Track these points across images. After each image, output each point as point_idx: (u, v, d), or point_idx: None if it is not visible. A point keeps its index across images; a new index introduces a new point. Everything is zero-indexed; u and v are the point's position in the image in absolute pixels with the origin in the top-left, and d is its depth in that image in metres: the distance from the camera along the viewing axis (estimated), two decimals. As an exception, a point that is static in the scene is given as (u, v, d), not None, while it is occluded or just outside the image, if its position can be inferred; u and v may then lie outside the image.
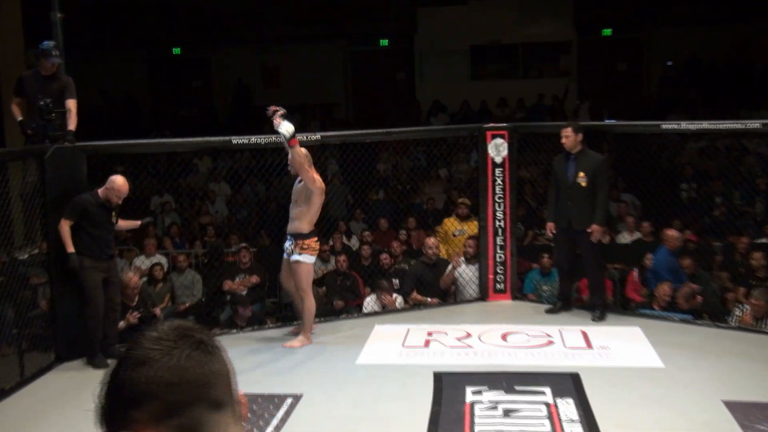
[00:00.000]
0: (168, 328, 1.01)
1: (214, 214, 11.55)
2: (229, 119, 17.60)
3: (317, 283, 8.64)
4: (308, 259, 6.09)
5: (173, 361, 0.95)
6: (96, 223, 5.90)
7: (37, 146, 6.04)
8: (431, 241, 8.05)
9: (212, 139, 6.92)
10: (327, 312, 7.82)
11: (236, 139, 6.75)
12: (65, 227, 5.83)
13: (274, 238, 10.18)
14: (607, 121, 11.99)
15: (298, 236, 6.03)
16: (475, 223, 8.18)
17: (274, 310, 8.69)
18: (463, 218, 8.61)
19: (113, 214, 6.04)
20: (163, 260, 8.97)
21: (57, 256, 5.91)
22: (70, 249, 5.79)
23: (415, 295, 7.76)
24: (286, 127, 5.82)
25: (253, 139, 6.75)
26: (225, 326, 7.28)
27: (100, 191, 5.94)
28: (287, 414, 4.77)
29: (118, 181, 5.95)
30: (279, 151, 8.25)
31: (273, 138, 6.82)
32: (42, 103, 6.00)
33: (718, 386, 5.09)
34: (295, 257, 6.04)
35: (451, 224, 8.66)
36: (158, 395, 0.93)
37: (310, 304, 6.25)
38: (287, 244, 6.10)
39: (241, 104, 17.99)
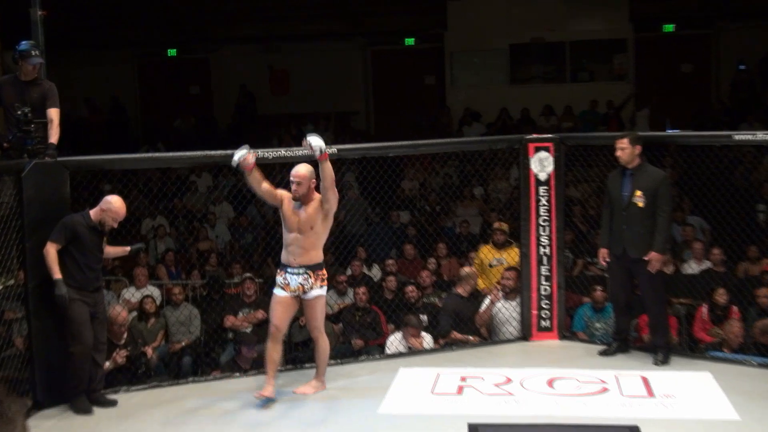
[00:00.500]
0: None
1: (215, 239, 11.63)
2: (232, 130, 17.75)
3: (333, 319, 8.67)
4: (325, 291, 6.13)
5: None
6: (85, 248, 5.92)
7: (13, 161, 6.13)
8: (468, 270, 8.06)
9: (212, 153, 6.99)
10: (344, 353, 7.83)
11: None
12: (52, 252, 5.84)
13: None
14: (669, 131, 11.97)
15: (316, 267, 6.05)
16: (516, 250, 8.17)
17: (284, 350, 8.70)
18: (500, 246, 8.61)
19: (105, 240, 6.10)
20: (156, 292, 9.05)
21: (36, 287, 5.97)
22: (57, 275, 5.79)
23: (455, 334, 7.75)
24: (317, 141, 5.86)
25: (260, 152, 6.79)
26: (226, 369, 7.32)
27: (92, 212, 5.97)
28: (298, 471, 4.78)
29: (116, 202, 5.99)
30: (289, 167, 8.31)
31: (282, 152, 6.88)
32: (20, 112, 6.10)
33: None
34: (317, 292, 6.06)
35: (487, 253, 8.67)
36: None
37: (325, 344, 6.27)
38: (297, 280, 6.06)
39: (244, 113, 18.15)
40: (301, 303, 6.13)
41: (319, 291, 6.05)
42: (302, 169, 6.06)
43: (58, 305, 5.83)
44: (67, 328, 5.93)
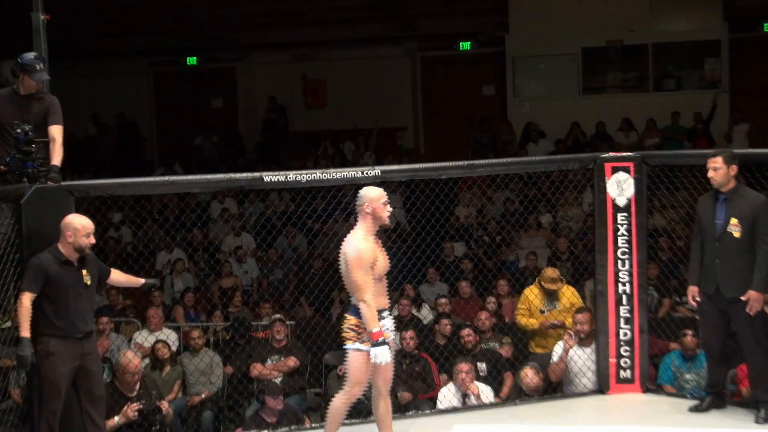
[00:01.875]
0: None
1: (240, 275, 11.70)
2: (260, 149, 17.91)
3: (376, 368, 8.66)
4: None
5: None
6: (64, 289, 5.89)
7: (11, 186, 6.22)
8: (529, 373, 7.89)
9: (237, 176, 7.05)
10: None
11: (269, 176, 6.86)
12: (26, 303, 5.76)
13: (318, 308, 10.28)
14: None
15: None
16: (571, 289, 8.12)
17: (318, 404, 8.72)
18: (549, 293, 8.53)
19: (84, 273, 6.04)
20: (173, 336, 9.13)
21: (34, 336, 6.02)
22: (25, 332, 5.71)
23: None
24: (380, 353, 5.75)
25: (291, 175, 6.84)
26: (251, 425, 7.33)
27: (60, 245, 5.95)
28: None
29: (72, 218, 5.96)
30: (326, 191, 8.37)
31: (317, 174, 6.93)
32: (19, 130, 6.19)
33: None
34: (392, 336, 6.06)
35: (533, 298, 8.57)
36: None
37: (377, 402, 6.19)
38: (390, 324, 6.05)
39: (274, 129, 18.30)
40: None
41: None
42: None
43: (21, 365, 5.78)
44: (38, 388, 5.87)
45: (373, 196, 5.93)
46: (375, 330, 5.67)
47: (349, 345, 5.82)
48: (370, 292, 5.69)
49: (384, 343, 5.71)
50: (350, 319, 5.82)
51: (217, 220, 13.08)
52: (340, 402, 5.98)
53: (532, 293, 8.60)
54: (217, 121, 18.72)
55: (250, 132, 18.56)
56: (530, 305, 8.57)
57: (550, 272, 8.61)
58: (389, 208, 5.97)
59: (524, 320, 8.52)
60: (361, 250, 5.73)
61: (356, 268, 5.69)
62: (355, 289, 5.70)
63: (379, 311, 5.79)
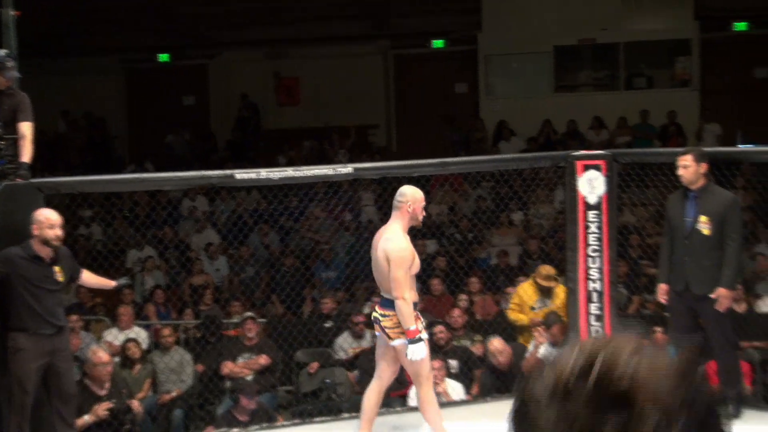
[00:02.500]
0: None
1: (211, 273, 11.67)
2: (232, 146, 17.87)
3: (348, 365, 8.68)
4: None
5: None
6: (31, 284, 5.88)
7: (-20, 184, 6.19)
8: (497, 344, 7.98)
9: (209, 173, 7.05)
10: (360, 404, 7.83)
11: (241, 174, 6.86)
12: None
13: (289, 306, 10.27)
14: (741, 147, 11.91)
15: None
16: (564, 289, 8.16)
17: (290, 402, 8.72)
18: (544, 291, 8.56)
19: (57, 270, 6.05)
20: (143, 334, 9.09)
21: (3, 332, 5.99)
22: None
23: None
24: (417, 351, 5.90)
25: (263, 173, 6.84)
26: (222, 423, 7.32)
27: (32, 241, 5.95)
28: None
29: (36, 212, 5.95)
30: (297, 188, 8.37)
31: (289, 172, 6.93)
32: (-12, 127, 6.18)
33: None
34: None
35: (531, 294, 8.61)
36: None
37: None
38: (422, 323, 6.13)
39: (247, 127, 18.26)
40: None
41: None
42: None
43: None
44: (6, 385, 5.85)
45: (417, 197, 6.03)
46: (412, 328, 5.82)
47: (405, 339, 5.89)
48: (407, 290, 5.82)
49: (420, 340, 5.88)
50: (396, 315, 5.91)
51: (188, 217, 13.04)
52: (426, 392, 6.09)
53: (528, 289, 8.64)
54: (189, 118, 18.65)
55: (223, 130, 18.50)
56: (522, 301, 8.59)
57: (547, 269, 8.62)
58: (424, 211, 6.11)
59: (514, 315, 8.54)
60: (405, 249, 5.86)
61: (399, 266, 5.79)
62: (395, 286, 5.79)
63: (414, 304, 5.93)
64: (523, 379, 0.99)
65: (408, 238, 5.97)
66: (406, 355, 5.89)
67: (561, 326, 7.79)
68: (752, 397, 7.43)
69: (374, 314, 6.12)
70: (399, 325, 5.89)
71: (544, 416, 0.94)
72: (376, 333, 6.19)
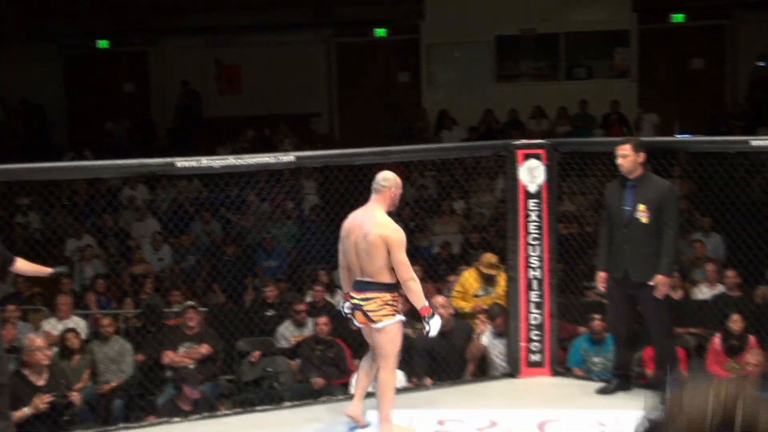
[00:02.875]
0: None
1: (152, 262, 11.58)
2: (173, 134, 17.72)
3: (290, 354, 8.67)
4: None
5: None
6: None
7: None
8: (440, 299, 8.07)
9: (149, 161, 6.97)
10: (302, 393, 7.82)
11: (181, 162, 6.80)
12: None
13: (231, 294, 10.23)
14: (678, 137, 12.10)
15: None
16: (506, 277, 8.23)
17: (231, 391, 8.69)
18: (487, 279, 8.61)
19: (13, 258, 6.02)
20: (82, 324, 8.99)
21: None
22: None
23: (429, 382, 7.75)
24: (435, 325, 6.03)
25: (204, 161, 6.79)
26: (164, 413, 7.27)
27: None
28: None
29: None
30: (238, 177, 8.32)
31: (231, 160, 6.88)
32: None
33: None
34: None
35: (473, 282, 8.66)
36: None
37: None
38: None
39: (188, 114, 18.12)
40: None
41: None
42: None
43: None
44: None
45: (399, 182, 6.15)
46: (427, 304, 5.96)
47: (391, 320, 5.93)
48: (412, 270, 5.91)
49: (434, 315, 6.01)
50: (383, 296, 5.91)
51: (128, 206, 12.92)
52: (389, 376, 6.05)
53: (469, 277, 8.67)
54: (129, 106, 18.48)
55: (163, 117, 18.34)
56: (465, 289, 8.63)
57: (489, 257, 8.67)
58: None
59: (457, 303, 8.57)
60: (401, 232, 5.95)
61: (401, 250, 5.86)
62: (403, 269, 5.82)
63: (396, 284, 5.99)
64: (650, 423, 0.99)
65: None
66: (426, 332, 6.01)
67: (504, 317, 7.85)
68: (688, 382, 7.56)
69: (352, 302, 6.05)
70: (383, 307, 5.90)
71: None
72: (357, 323, 6.13)
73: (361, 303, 5.96)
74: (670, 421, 0.96)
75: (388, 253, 5.84)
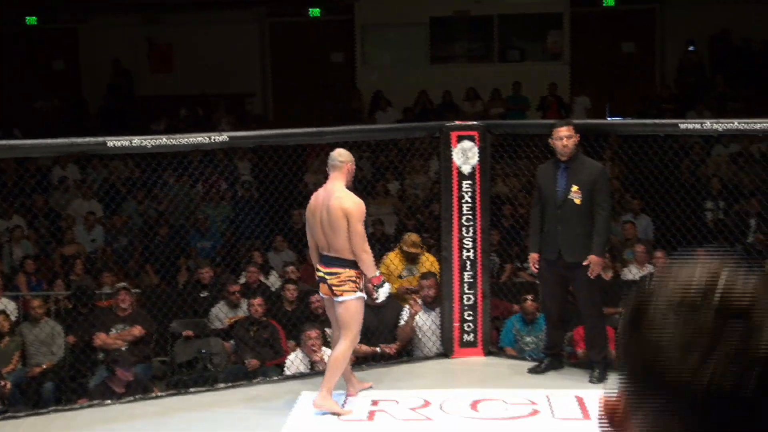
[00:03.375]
0: None
1: (83, 243, 11.44)
2: (104, 114, 17.46)
3: (224, 335, 8.63)
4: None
5: None
6: None
7: None
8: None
9: (80, 140, 6.87)
10: (236, 374, 7.79)
11: (113, 141, 6.71)
12: None
13: (164, 276, 10.14)
14: (609, 120, 12.27)
15: None
16: (431, 257, 8.27)
17: (164, 373, 8.63)
18: (411, 258, 8.64)
19: None
20: (11, 306, 8.86)
21: None
22: None
23: (361, 348, 7.78)
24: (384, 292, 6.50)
25: (136, 140, 6.71)
26: (96, 395, 7.19)
27: None
28: None
29: None
30: (171, 157, 8.24)
31: (163, 140, 6.81)
32: None
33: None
34: None
35: (398, 263, 8.69)
36: None
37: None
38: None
39: (119, 94, 17.87)
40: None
41: None
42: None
43: None
44: None
45: (353, 158, 6.46)
46: (378, 274, 6.37)
47: (352, 295, 6.18)
48: (367, 242, 6.25)
49: (384, 283, 6.46)
50: (347, 272, 6.17)
51: (58, 186, 12.72)
52: (346, 349, 6.25)
53: (394, 258, 8.69)
54: (58, 84, 18.14)
55: (94, 96, 18.05)
56: (390, 270, 8.65)
57: (413, 237, 8.69)
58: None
59: None
60: (361, 204, 6.23)
61: (359, 221, 6.15)
62: (357, 239, 6.12)
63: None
64: (641, 291, 1.06)
65: None
66: (375, 299, 6.50)
67: (435, 284, 7.87)
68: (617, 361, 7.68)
69: (318, 274, 6.37)
70: (345, 282, 6.17)
71: (671, 322, 1.00)
72: (322, 294, 6.46)
73: (326, 276, 6.25)
74: (658, 289, 1.04)
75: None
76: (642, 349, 1.01)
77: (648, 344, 1.01)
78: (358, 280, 6.21)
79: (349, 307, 6.21)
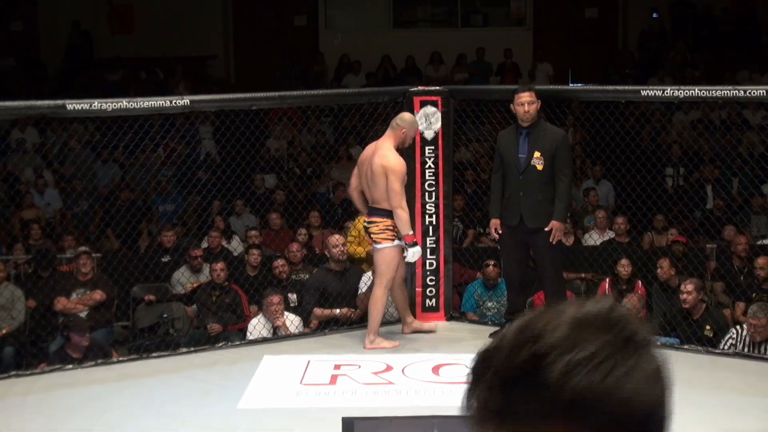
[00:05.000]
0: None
1: (42, 207, 11.34)
2: (63, 75, 17.25)
3: (186, 300, 8.62)
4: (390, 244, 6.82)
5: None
6: None
7: None
8: (335, 238, 8.13)
9: (38, 103, 6.80)
10: (198, 339, 7.80)
11: (72, 104, 6.64)
12: None
13: (125, 240, 10.08)
14: (571, 86, 12.31)
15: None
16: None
17: (126, 337, 8.62)
18: None
19: None
20: (-30, 271, 8.77)
21: None
22: None
23: (319, 311, 7.82)
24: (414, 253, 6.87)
25: (96, 104, 6.64)
26: (55, 360, 7.17)
27: None
28: (144, 477, 4.76)
29: None
30: (133, 121, 8.17)
31: (124, 103, 6.74)
32: None
33: (711, 430, 5.32)
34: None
35: (360, 227, 8.71)
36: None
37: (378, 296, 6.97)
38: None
39: (78, 55, 17.65)
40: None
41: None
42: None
43: None
44: None
45: (414, 127, 7.01)
46: (411, 233, 6.81)
47: (389, 243, 6.75)
48: (404, 200, 6.76)
49: (416, 244, 6.89)
50: (385, 221, 6.75)
51: (16, 149, 12.57)
52: (382, 294, 6.86)
53: (357, 223, 8.70)
54: (16, 45, 17.86)
55: (52, 57, 17.80)
56: (360, 234, 8.66)
57: None
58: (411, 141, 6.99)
59: (353, 248, 8.61)
60: (402, 163, 6.74)
61: (398, 178, 6.65)
62: (394, 196, 6.64)
63: None
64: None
65: None
66: (404, 257, 6.85)
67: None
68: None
69: (363, 224, 7.11)
70: (383, 231, 6.74)
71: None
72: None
73: (368, 225, 6.88)
74: (497, 347, 1.08)
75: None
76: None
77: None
78: (395, 230, 6.74)
79: (385, 254, 6.77)
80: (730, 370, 6.47)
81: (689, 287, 7.41)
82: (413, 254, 6.86)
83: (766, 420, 5.49)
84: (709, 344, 7.03)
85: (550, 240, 6.83)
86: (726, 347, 6.97)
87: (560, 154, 6.84)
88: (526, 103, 6.82)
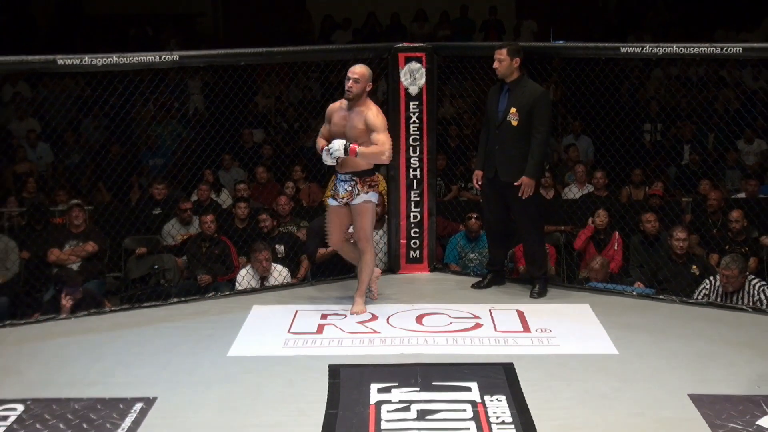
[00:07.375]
0: None
1: (35, 160, 11.29)
2: (53, 32, 17.08)
3: (176, 251, 8.63)
4: (374, 197, 6.56)
5: None
6: None
7: None
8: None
9: (29, 58, 6.71)
10: (189, 289, 7.81)
11: (63, 59, 6.57)
12: None
13: (116, 193, 10.06)
14: (554, 43, 12.23)
15: (364, 174, 6.51)
16: (381, 176, 8.28)
17: (118, 288, 8.63)
18: None
19: None
20: (-36, 223, 8.76)
21: None
22: None
23: (322, 251, 7.82)
24: (336, 149, 6.39)
25: (87, 59, 6.58)
26: (49, 310, 7.17)
27: None
28: (136, 423, 4.77)
29: None
30: (123, 76, 8.11)
31: (114, 58, 6.68)
32: None
33: (684, 377, 5.37)
34: (363, 198, 6.51)
35: None
36: None
37: (369, 257, 6.68)
38: (344, 187, 6.50)
39: (68, 12, 17.47)
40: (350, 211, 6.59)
41: (365, 197, 6.49)
42: (360, 68, 6.47)
43: None
44: None
45: (350, 69, 6.53)
46: (359, 150, 6.34)
47: (372, 194, 6.51)
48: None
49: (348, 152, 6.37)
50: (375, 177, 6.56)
51: (9, 103, 12.48)
52: (371, 257, 6.68)
53: None
54: (6, 1, 17.64)
55: (43, 14, 17.60)
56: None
57: None
58: (348, 82, 6.50)
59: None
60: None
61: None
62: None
63: (335, 173, 6.63)
64: None
65: None
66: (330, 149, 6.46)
67: (382, 203, 7.91)
68: (556, 277, 7.81)
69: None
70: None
71: None
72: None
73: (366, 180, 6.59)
74: None
75: None
76: None
77: None
78: (372, 183, 6.52)
79: (368, 208, 6.53)
80: (704, 320, 6.53)
81: (681, 234, 7.57)
82: (337, 148, 6.40)
83: (735, 367, 5.54)
84: (696, 283, 7.16)
85: (520, 194, 6.83)
86: (699, 297, 7.04)
87: (537, 111, 6.82)
88: (497, 60, 6.87)
